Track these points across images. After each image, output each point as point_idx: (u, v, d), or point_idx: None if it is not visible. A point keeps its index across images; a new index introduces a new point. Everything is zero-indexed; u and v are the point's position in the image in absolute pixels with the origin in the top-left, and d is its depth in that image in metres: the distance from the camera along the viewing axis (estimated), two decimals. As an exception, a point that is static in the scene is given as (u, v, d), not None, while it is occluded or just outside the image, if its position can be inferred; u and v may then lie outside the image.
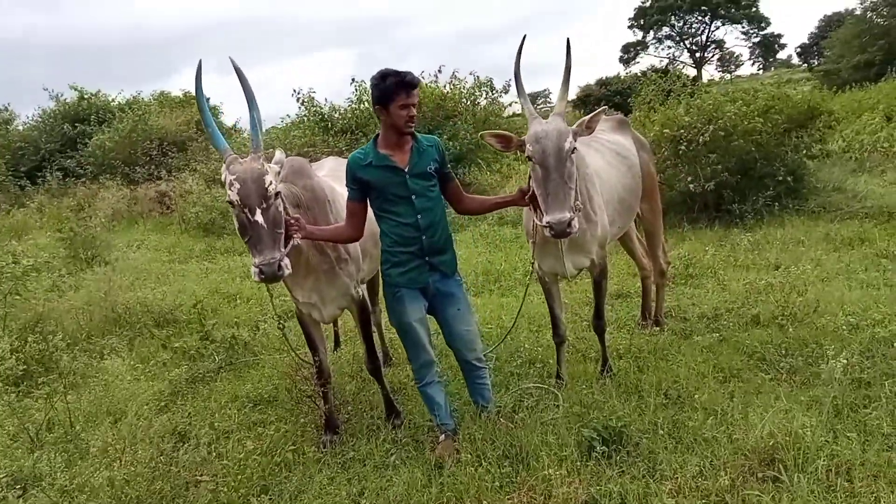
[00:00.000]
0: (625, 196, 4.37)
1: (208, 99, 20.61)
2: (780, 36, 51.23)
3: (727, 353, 4.27)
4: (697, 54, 51.05)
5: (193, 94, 3.28)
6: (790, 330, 4.49)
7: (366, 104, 13.48)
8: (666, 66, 37.98)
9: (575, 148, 3.31)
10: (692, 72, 44.16)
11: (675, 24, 50.46)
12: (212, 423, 4.00)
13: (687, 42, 51.37)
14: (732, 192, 8.42)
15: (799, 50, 52.37)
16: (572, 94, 34.41)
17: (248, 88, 3.20)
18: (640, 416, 3.52)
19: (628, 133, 4.91)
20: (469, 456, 3.22)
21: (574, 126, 3.40)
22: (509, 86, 14.09)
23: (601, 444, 3.17)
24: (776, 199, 8.39)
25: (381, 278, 3.68)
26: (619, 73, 38.07)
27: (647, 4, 49.72)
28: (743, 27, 50.02)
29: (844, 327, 4.34)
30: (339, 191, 3.85)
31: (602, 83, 33.92)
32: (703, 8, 48.47)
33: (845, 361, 3.70)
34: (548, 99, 49.07)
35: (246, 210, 2.98)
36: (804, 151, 8.85)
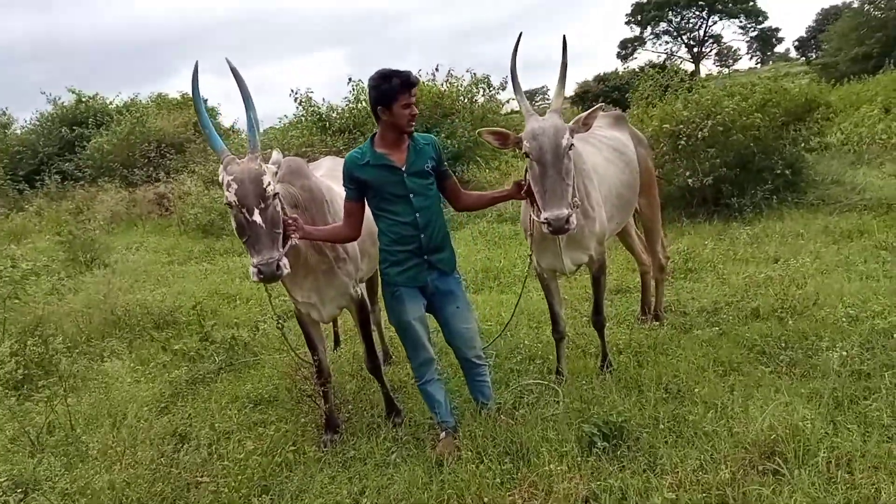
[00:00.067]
0: (623, 192, 4.37)
1: (206, 100, 20.70)
2: (777, 30, 51.33)
3: (727, 347, 4.27)
4: (695, 49, 51.06)
5: (191, 95, 3.28)
6: (790, 323, 4.48)
7: (363, 103, 13.47)
8: (664, 62, 37.95)
9: (572, 144, 3.31)
10: (690, 67, 44.17)
11: (673, 19, 50.46)
12: (212, 423, 3.99)
13: (684, 37, 51.39)
14: (731, 186, 8.43)
15: (796, 43, 52.33)
16: (570, 90, 34.44)
17: (245, 89, 3.20)
18: (640, 410, 3.51)
19: (625, 129, 4.91)
20: (470, 453, 3.22)
21: (571, 123, 3.40)
22: (506, 83, 14.08)
23: (602, 440, 3.17)
24: (775, 193, 8.38)
25: (379, 277, 3.68)
26: (616, 69, 38.02)
27: (645, 0, 49.66)
28: (740, 21, 50.08)
29: (844, 319, 4.34)
30: (337, 191, 3.84)
31: (600, 79, 33.91)
32: (700, 3, 48.47)
33: (845, 354, 3.71)
34: (545, 95, 49.13)
35: (244, 210, 2.98)
36: (802, 144, 8.85)
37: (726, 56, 53.71)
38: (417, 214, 3.29)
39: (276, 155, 3.32)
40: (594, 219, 3.83)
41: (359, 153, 3.31)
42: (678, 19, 50.52)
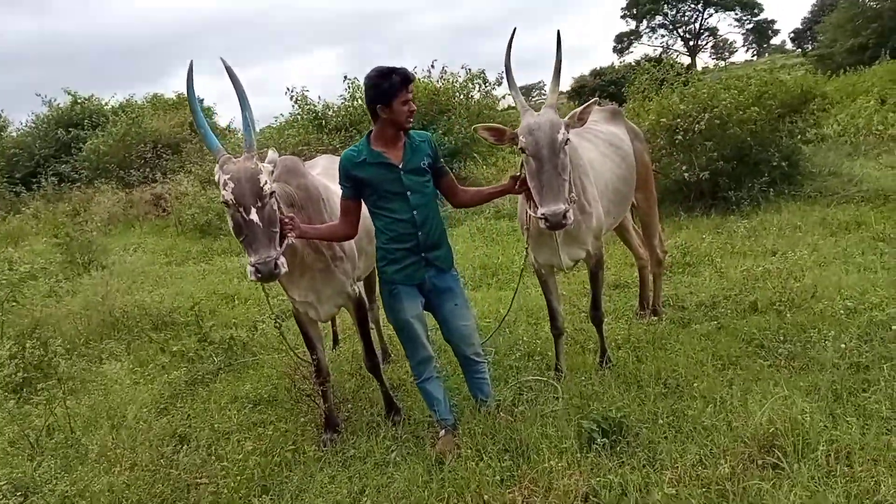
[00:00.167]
0: (619, 186, 4.36)
1: (202, 100, 20.70)
2: (773, 22, 51.30)
3: (725, 341, 4.27)
4: (691, 42, 51.02)
5: (186, 95, 3.27)
6: (788, 316, 4.48)
7: (359, 101, 13.43)
8: (660, 55, 37.91)
9: (568, 139, 3.30)
10: (686, 60, 44.12)
11: (668, 12, 50.43)
12: (211, 424, 4.00)
13: (680, 30, 51.36)
14: (728, 179, 8.42)
15: (792, 35, 52.24)
16: (567, 85, 34.45)
17: (240, 88, 3.19)
18: (639, 406, 3.52)
19: (622, 123, 4.90)
20: (469, 450, 3.22)
21: (566, 118, 3.39)
22: (502, 78, 14.05)
23: (601, 436, 3.16)
24: (772, 185, 8.39)
25: (377, 276, 3.68)
26: (613, 64, 38.02)
27: (640, -7, 49.63)
28: (736, 14, 50.04)
29: (842, 311, 4.34)
30: (333, 189, 3.84)
31: (596, 74, 33.88)
32: (695, -5, 48.45)
33: (843, 346, 3.72)
34: (542, 91, 48.90)
35: (241, 209, 2.98)
36: (798, 136, 8.84)
37: (722, 49, 53.77)
38: (415, 212, 3.28)
39: (272, 154, 3.31)
40: (591, 214, 3.83)
41: (355, 151, 3.30)
42: (674, 12, 50.50)
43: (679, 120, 8.42)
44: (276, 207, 3.11)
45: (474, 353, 3.56)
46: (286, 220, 3.17)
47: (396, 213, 3.28)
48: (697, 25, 50.93)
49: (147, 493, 3.09)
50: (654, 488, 2.77)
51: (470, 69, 14.10)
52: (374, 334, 4.50)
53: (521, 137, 3.29)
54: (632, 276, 5.92)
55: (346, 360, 4.98)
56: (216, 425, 3.99)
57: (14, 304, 6.10)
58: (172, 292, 7.32)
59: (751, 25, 50.95)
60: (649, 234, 5.08)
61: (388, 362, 4.89)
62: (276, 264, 2.95)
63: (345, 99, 14.08)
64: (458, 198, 3.58)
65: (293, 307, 3.79)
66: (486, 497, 2.87)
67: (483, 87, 14.11)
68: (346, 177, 3.29)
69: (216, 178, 3.08)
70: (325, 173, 4.32)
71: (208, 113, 21.14)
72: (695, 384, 3.67)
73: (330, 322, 5.29)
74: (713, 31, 51.66)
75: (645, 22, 51.18)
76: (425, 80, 13.65)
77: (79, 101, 20.09)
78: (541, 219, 3.17)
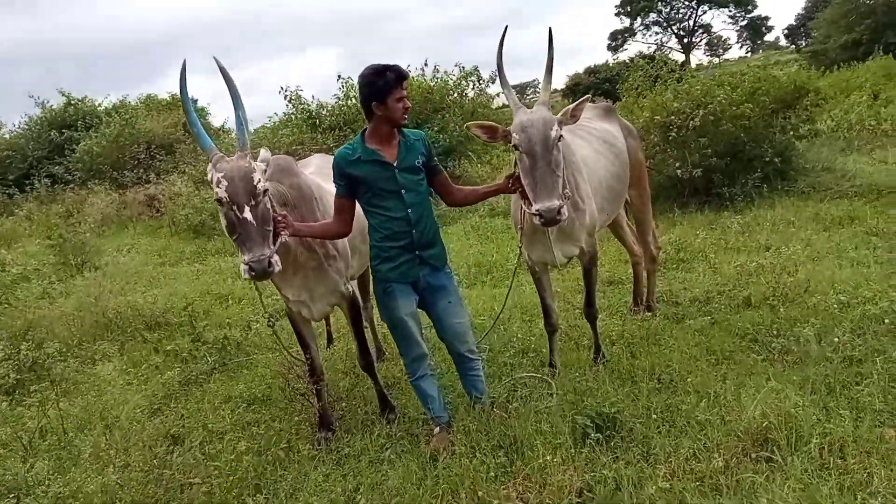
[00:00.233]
0: (613, 183, 4.36)
1: (196, 100, 20.64)
2: (766, 18, 51.25)
3: (719, 336, 4.27)
4: (685, 39, 51.04)
5: (179, 95, 3.26)
6: (781, 311, 4.49)
7: (353, 100, 13.41)
8: (654, 53, 37.97)
9: (561, 136, 3.30)
10: (680, 57, 44.18)
11: (662, 9, 50.40)
12: (205, 424, 3.99)
13: (674, 27, 51.36)
14: (722, 175, 8.42)
15: (786, 32, 52.33)
16: (561, 83, 34.48)
17: (233, 87, 3.19)
18: (633, 401, 3.52)
19: (615, 120, 4.90)
20: (464, 447, 3.22)
21: (559, 115, 3.39)
22: (496, 76, 14.03)
23: (595, 431, 3.17)
24: (765, 181, 8.39)
25: (371, 274, 3.67)
26: (607, 61, 38.05)
27: (634, -10, 49.65)
28: (730, 11, 50.02)
29: (835, 306, 4.34)
30: (327, 188, 3.83)
31: (590, 71, 33.92)
32: (689, -8, 48.52)
33: (836, 339, 3.72)
34: (537, 89, 48.98)
35: (234, 208, 2.97)
36: (791, 133, 8.86)
37: (716, 45, 53.74)
38: (409, 210, 3.28)
39: (264, 153, 3.30)
40: (584, 211, 3.82)
41: (349, 149, 3.29)
42: (668, 9, 50.49)
43: (673, 117, 8.43)
44: (269, 206, 3.10)
45: (468, 350, 3.56)
46: (279, 219, 3.16)
47: (391, 212, 3.28)
48: (691, 23, 50.94)
49: (140, 494, 3.08)
50: (649, 483, 2.78)
51: (464, 67, 14.12)
52: (368, 333, 4.49)
53: (514, 135, 3.29)
54: (626, 273, 5.92)
55: (340, 358, 4.98)
56: (210, 425, 3.98)
57: (7, 305, 6.10)
58: (166, 293, 7.30)
59: (744, 22, 50.96)
60: (643, 231, 5.08)
61: (382, 360, 4.89)
62: (269, 262, 2.94)
63: (339, 98, 14.07)
64: (452, 196, 3.58)
65: (286, 306, 3.78)
66: (480, 493, 2.87)
67: (477, 84, 14.11)
68: (341, 175, 3.29)
69: (209, 176, 3.07)
70: (318, 172, 4.31)
71: (202, 113, 21.09)
72: (688, 379, 3.68)
73: (324, 321, 5.28)
74: (707, 28, 51.66)
75: (639, 19, 51.17)
76: (419, 78, 13.64)
77: (72, 102, 20.04)
78: (535, 215, 3.17)
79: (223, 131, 19.36)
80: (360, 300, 4.02)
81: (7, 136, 20.60)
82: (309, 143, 12.44)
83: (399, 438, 3.58)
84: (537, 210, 3.15)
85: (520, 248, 3.90)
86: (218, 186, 2.99)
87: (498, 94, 14.65)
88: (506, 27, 3.53)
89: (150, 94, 21.88)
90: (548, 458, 2.97)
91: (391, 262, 3.34)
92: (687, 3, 50.00)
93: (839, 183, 8.33)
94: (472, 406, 3.55)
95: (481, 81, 14.14)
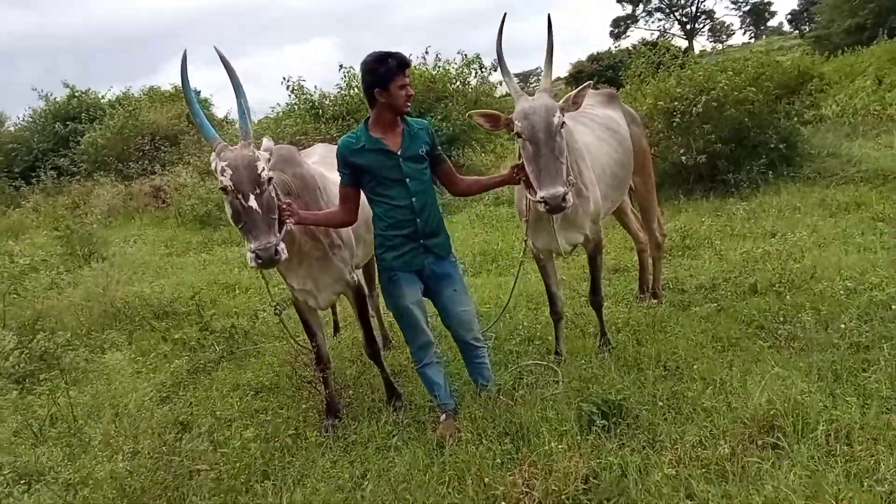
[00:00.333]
0: (616, 170, 4.35)
1: (198, 92, 20.59)
2: (769, 3, 50.82)
3: (725, 323, 4.27)
4: (688, 26, 50.63)
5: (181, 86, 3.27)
6: (787, 297, 4.48)
7: (356, 90, 13.37)
8: (656, 39, 37.69)
9: (564, 122, 3.29)
10: (683, 43, 43.87)
11: (665, -5, 50.00)
12: (213, 412, 4.02)
13: (677, 14, 50.93)
14: (727, 161, 8.38)
15: (789, 17, 51.90)
16: (564, 71, 34.29)
17: (235, 76, 3.19)
18: (639, 388, 3.52)
19: (618, 107, 4.88)
20: (470, 434, 3.23)
21: (561, 101, 3.39)
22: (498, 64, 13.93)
23: (601, 418, 3.17)
24: (770, 167, 8.35)
25: (376, 263, 3.68)
26: (610, 48, 37.79)
27: (637, -24, 49.26)
28: (733, -4, 49.60)
29: (842, 292, 4.33)
30: (330, 177, 3.83)
31: (593, 59, 33.67)
32: (692, -23, 48.09)
33: (843, 326, 3.71)
34: (540, 77, 48.73)
35: (240, 196, 2.98)
36: (796, 118, 8.80)
37: (719, 32, 53.37)
38: (413, 199, 3.28)
39: (267, 142, 3.31)
40: (588, 198, 3.82)
41: (353, 137, 3.29)
42: (670, -5, 50.11)
43: (676, 103, 8.39)
44: (274, 194, 3.11)
45: (473, 338, 3.57)
46: (284, 207, 3.17)
47: (395, 200, 3.28)
48: (694, 9, 50.45)
49: (149, 480, 3.10)
50: (654, 469, 2.79)
51: (465, 55, 14.05)
52: (374, 321, 4.50)
53: (516, 122, 3.29)
54: (631, 260, 5.92)
55: (346, 347, 5.00)
56: (218, 413, 4.00)
57: (16, 296, 6.12)
58: (173, 283, 7.32)
59: (747, 8, 50.54)
60: (648, 218, 5.07)
61: (388, 349, 4.91)
62: (276, 250, 2.95)
63: (341, 88, 14.03)
64: (456, 186, 3.58)
65: (292, 295, 3.79)
66: (486, 480, 2.88)
67: (479, 72, 14.05)
68: (345, 163, 3.29)
69: (213, 166, 3.07)
70: (321, 161, 4.31)
71: (205, 104, 21.03)
72: (694, 366, 3.68)
73: (330, 309, 5.30)
74: (710, 14, 51.24)
75: (641, 6, 50.77)
76: (421, 67, 13.58)
77: (76, 94, 20.02)
78: (540, 202, 3.17)
79: (226, 122, 19.32)
80: (365, 289, 4.03)
81: (12, 129, 20.66)
82: (312, 133, 12.42)
83: (406, 425, 3.60)
84: (542, 197, 3.14)
85: (525, 241, 3.90)
86: (222, 175, 2.99)
87: (500, 83, 14.59)
88: (504, 14, 3.51)
89: (154, 85, 21.81)
90: (553, 445, 2.97)
91: (396, 251, 3.34)
92: (690, -12, 49.57)
93: (845, 168, 8.29)
94: (478, 393, 3.55)
95: (483, 69, 14.06)
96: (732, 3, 50.13)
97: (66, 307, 6.33)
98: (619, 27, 51.83)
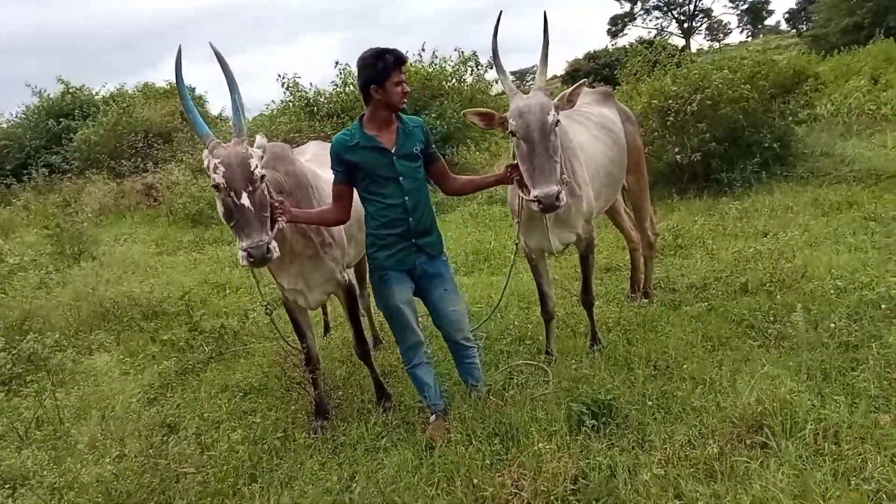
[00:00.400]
0: (610, 169, 4.33)
1: (193, 88, 20.52)
2: (767, 2, 50.93)
3: (716, 322, 4.26)
4: (685, 24, 50.71)
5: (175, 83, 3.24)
6: (778, 296, 4.47)
7: (351, 87, 13.34)
8: (654, 37, 37.68)
9: (558, 121, 3.28)
10: (680, 42, 43.87)
11: (662, -7, 50.06)
12: (201, 414, 3.99)
13: (674, 12, 51.00)
14: (720, 160, 8.38)
15: (787, 16, 51.97)
16: (561, 69, 34.25)
17: (229, 72, 3.17)
18: (629, 388, 3.52)
19: (613, 105, 4.86)
20: (459, 435, 3.22)
21: (555, 100, 3.37)
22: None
23: (590, 418, 3.17)
24: (764, 167, 8.35)
25: (367, 262, 3.66)
26: (607, 46, 37.75)
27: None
28: (730, -6, 49.69)
29: (832, 291, 4.33)
30: (323, 176, 3.81)
31: (590, 57, 33.61)
32: (689, -24, 48.14)
33: (832, 325, 3.71)
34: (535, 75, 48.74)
35: (232, 193, 2.95)
36: (790, 118, 8.80)
37: (717, 30, 53.46)
38: (407, 197, 3.26)
39: (260, 139, 3.28)
40: (581, 197, 3.80)
41: (347, 135, 3.27)
42: (668, -7, 50.17)
43: (671, 101, 8.38)
44: (266, 192, 3.09)
45: (464, 338, 3.55)
46: (276, 205, 3.14)
47: (388, 199, 3.26)
48: (691, 7, 50.57)
49: (136, 484, 3.08)
50: (643, 469, 2.78)
51: (462, 52, 14.01)
52: (364, 321, 4.48)
53: (510, 121, 3.27)
54: (623, 260, 5.91)
55: (336, 347, 4.98)
56: (206, 415, 3.98)
57: (3, 296, 6.08)
58: (163, 282, 7.28)
59: (745, 6, 50.68)
60: (641, 217, 5.06)
61: (379, 349, 4.89)
62: (268, 248, 2.93)
63: (336, 85, 13.98)
64: (450, 185, 3.55)
65: (282, 295, 3.77)
66: (475, 481, 2.86)
67: (475, 70, 14.01)
68: (339, 161, 3.26)
69: (206, 163, 3.04)
70: (314, 159, 4.29)
71: (200, 101, 20.97)
72: (684, 366, 3.67)
73: (321, 309, 5.28)
74: (707, 13, 51.37)
75: (639, 4, 50.84)
76: (417, 64, 13.54)
77: (70, 90, 19.91)
78: (533, 201, 3.15)
79: (220, 119, 19.25)
80: (356, 288, 4.00)
81: (4, 125, 20.48)
82: (307, 130, 12.37)
83: (395, 427, 3.58)
84: (535, 196, 3.13)
85: (517, 240, 3.88)
86: (215, 172, 2.96)
87: (496, 81, 14.57)
88: (500, 12, 3.50)
89: (148, 82, 21.72)
90: (543, 445, 2.96)
91: (388, 250, 3.32)
92: (687, -13, 49.64)
93: (838, 168, 8.28)
94: (468, 394, 3.54)
95: (479, 67, 14.03)
96: (730, 1, 50.27)
97: (54, 307, 6.28)
98: (617, 25, 51.89)
